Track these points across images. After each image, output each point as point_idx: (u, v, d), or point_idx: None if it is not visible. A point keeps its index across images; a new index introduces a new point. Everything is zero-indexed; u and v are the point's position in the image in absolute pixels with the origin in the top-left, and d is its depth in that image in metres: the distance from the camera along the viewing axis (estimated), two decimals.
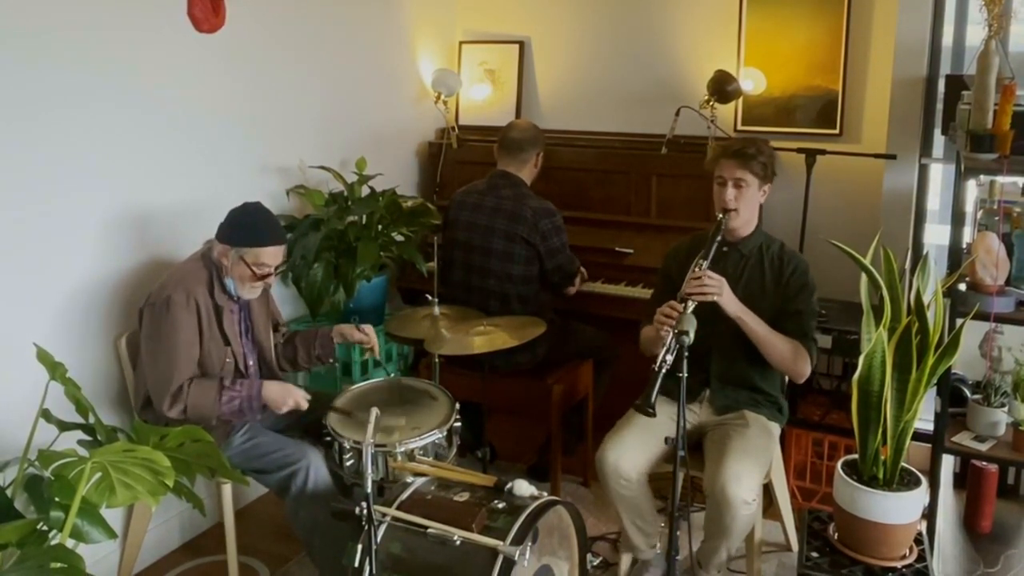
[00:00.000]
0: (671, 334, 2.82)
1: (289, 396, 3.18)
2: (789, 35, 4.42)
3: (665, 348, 2.78)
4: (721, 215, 3.19)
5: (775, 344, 3.16)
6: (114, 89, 3.30)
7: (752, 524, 3.09)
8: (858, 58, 4.32)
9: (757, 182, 3.21)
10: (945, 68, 4.11)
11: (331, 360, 3.53)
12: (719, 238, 3.14)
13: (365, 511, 2.36)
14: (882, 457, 2.80)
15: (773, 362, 3.19)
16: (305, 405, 3.20)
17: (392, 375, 3.42)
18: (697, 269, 3.06)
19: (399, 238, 4.19)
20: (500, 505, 2.61)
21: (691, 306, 2.93)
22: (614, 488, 3.16)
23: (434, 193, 4.97)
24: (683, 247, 3.46)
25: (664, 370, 2.75)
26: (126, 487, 2.33)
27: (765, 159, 3.20)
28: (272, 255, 3.17)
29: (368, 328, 3.44)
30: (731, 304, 3.12)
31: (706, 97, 4.31)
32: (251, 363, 3.33)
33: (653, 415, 2.78)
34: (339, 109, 4.50)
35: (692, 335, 2.82)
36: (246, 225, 3.15)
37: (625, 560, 3.42)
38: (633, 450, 3.14)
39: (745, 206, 3.22)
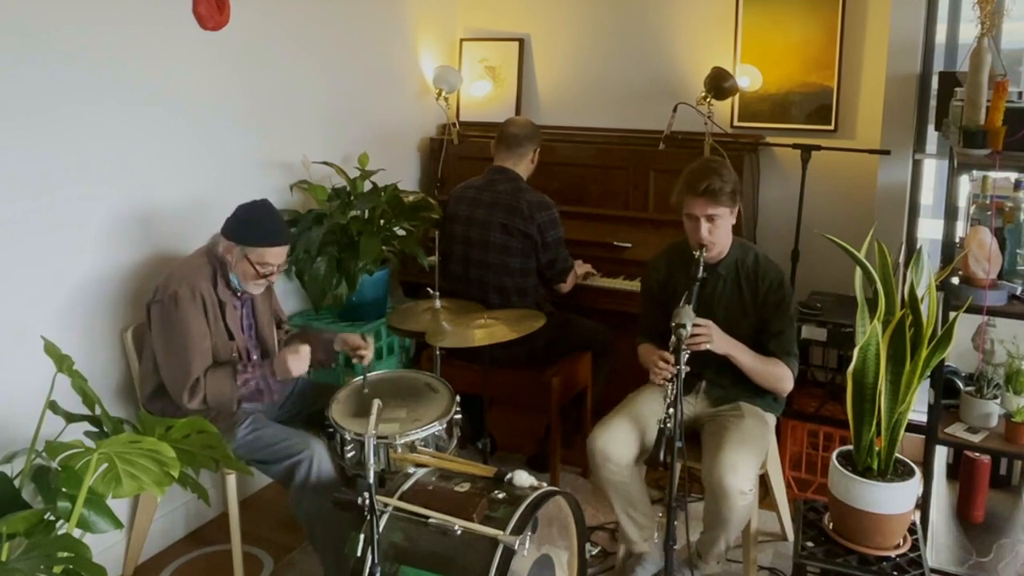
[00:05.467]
0: (672, 387, 2.80)
1: (289, 362, 3.17)
2: (785, 33, 4.46)
3: (668, 401, 2.77)
4: (698, 252, 3.14)
5: (761, 371, 3.22)
6: (120, 85, 3.34)
7: (750, 514, 3.12)
8: (853, 55, 4.36)
9: (728, 211, 3.19)
10: (938, 65, 4.14)
11: (332, 366, 3.55)
12: (701, 275, 3.09)
13: (367, 501, 2.37)
14: (876, 448, 2.82)
15: (759, 384, 3.24)
16: (306, 352, 3.20)
17: (361, 378, 3.41)
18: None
19: (401, 232, 4.22)
20: (500, 495, 2.64)
21: (685, 356, 2.86)
22: (604, 475, 3.19)
23: (435, 188, 4.99)
24: (661, 262, 3.46)
25: (670, 425, 2.74)
26: (132, 478, 2.35)
27: (731, 186, 3.16)
28: (275, 255, 3.20)
29: (370, 338, 3.45)
30: (723, 345, 3.15)
31: (703, 93, 4.33)
32: (255, 358, 3.36)
33: (665, 470, 2.79)
34: (342, 105, 4.53)
35: (690, 328, 2.86)
36: (252, 224, 3.18)
37: (621, 551, 3.44)
38: (624, 436, 3.17)
39: (721, 236, 3.22)
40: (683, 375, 2.81)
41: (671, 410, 2.76)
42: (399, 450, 2.97)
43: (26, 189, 3.05)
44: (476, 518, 2.53)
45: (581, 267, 4.29)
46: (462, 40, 5.33)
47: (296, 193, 4.22)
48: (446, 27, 5.30)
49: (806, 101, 4.48)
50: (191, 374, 3.09)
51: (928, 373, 2.87)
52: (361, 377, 3.36)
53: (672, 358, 2.90)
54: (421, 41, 5.09)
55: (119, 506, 3.10)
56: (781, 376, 3.23)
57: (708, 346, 3.08)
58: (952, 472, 3.90)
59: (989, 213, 3.22)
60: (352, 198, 4.14)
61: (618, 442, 3.16)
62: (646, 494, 3.34)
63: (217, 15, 3.65)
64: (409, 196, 4.31)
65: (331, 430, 3.12)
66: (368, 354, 3.40)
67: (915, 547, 2.84)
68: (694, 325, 3.00)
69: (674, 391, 2.79)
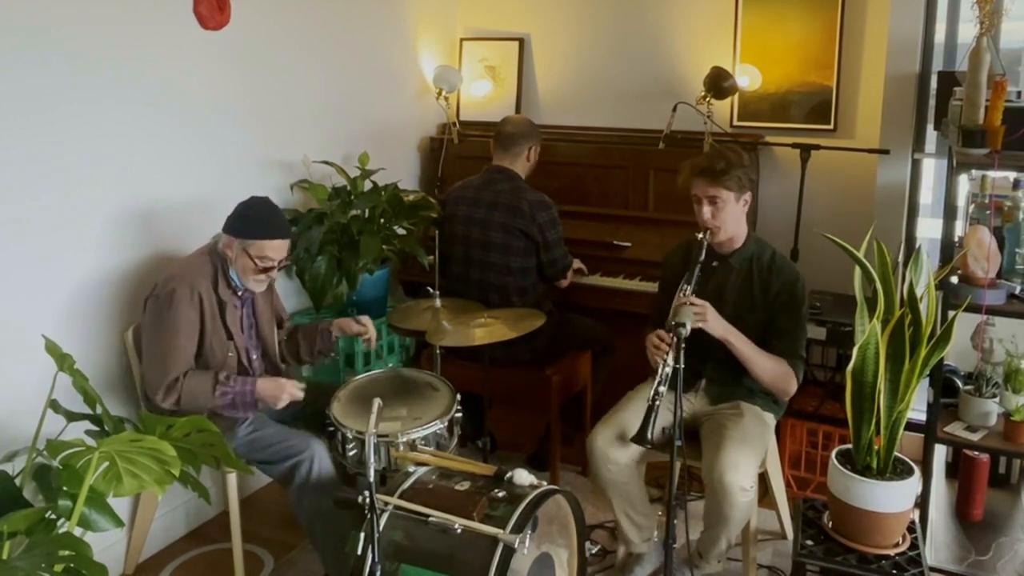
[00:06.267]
0: (663, 365, 2.81)
1: (282, 391, 3.19)
2: (784, 32, 4.46)
3: (658, 380, 2.78)
4: (702, 234, 3.17)
5: (761, 364, 3.18)
6: (121, 85, 3.34)
7: (750, 511, 3.13)
8: (852, 55, 4.36)
9: (733, 196, 3.18)
10: (937, 64, 4.14)
11: (332, 354, 3.55)
12: (702, 258, 3.11)
13: (368, 500, 2.38)
14: (875, 447, 2.83)
15: (759, 380, 3.21)
16: (300, 396, 3.22)
17: (391, 365, 3.44)
18: (682, 295, 3.05)
19: (401, 232, 4.23)
20: (500, 494, 2.64)
21: (685, 332, 2.88)
22: (604, 474, 3.20)
23: (435, 188, 5.00)
24: (678, 252, 3.47)
25: (659, 403, 2.75)
26: (133, 476, 2.36)
27: (738, 171, 3.16)
28: (275, 249, 3.20)
29: (365, 319, 3.47)
30: (717, 328, 3.12)
31: (703, 93, 4.33)
32: (255, 357, 3.37)
33: (652, 447, 2.80)
34: (342, 105, 4.53)
35: (689, 327, 2.86)
36: (251, 218, 3.19)
37: (620, 551, 3.46)
38: (624, 436, 3.17)
39: (727, 221, 3.21)
40: (681, 372, 2.81)
41: (660, 388, 2.77)
42: (400, 448, 2.98)
43: (26, 189, 3.05)
44: (476, 517, 2.53)
45: (574, 263, 4.30)
46: (462, 40, 5.33)
47: (297, 192, 4.23)
48: (446, 27, 5.31)
49: (805, 100, 4.48)
50: (169, 373, 3.08)
51: (927, 372, 2.88)
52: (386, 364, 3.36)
53: (668, 336, 2.92)
54: (421, 41, 5.10)
55: (120, 505, 3.12)
56: (782, 373, 3.19)
57: (701, 324, 3.05)
58: (951, 471, 3.91)
59: (988, 212, 3.23)
60: (352, 197, 4.14)
61: (618, 441, 3.17)
62: (645, 494, 3.35)
63: (218, 15, 3.65)
64: (409, 195, 4.32)
65: (332, 429, 3.12)
66: (372, 334, 3.45)
67: (914, 545, 2.85)
68: (691, 303, 3.02)
69: (664, 370, 2.80)
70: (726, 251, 3.30)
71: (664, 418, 3.05)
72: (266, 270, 3.20)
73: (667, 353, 2.89)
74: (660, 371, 2.84)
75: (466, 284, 4.05)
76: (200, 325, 3.17)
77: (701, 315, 3.05)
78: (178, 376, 3.10)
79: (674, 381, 2.81)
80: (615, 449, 3.17)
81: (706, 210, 3.19)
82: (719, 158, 3.18)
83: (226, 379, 3.16)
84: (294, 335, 3.56)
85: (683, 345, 2.82)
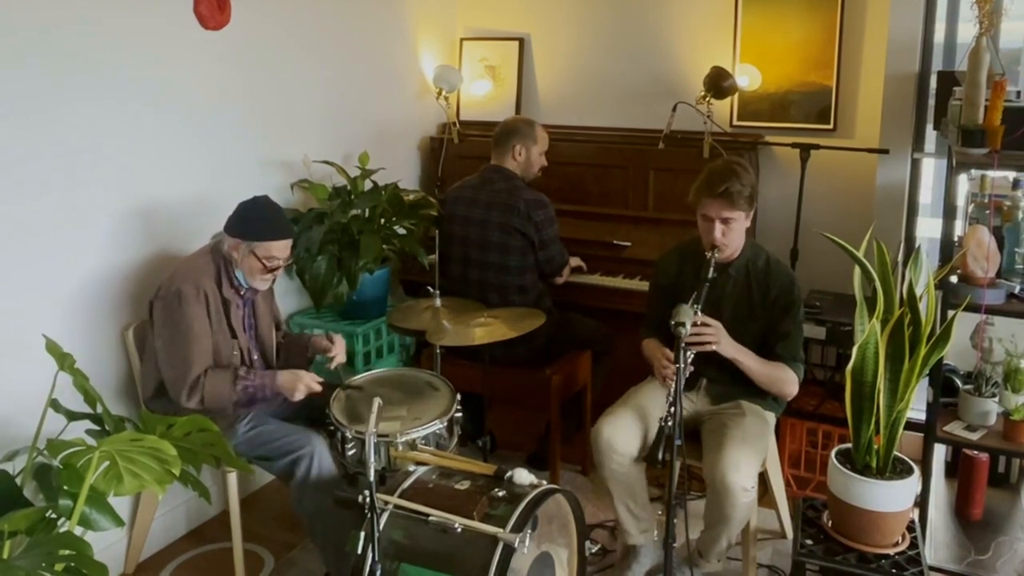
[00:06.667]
0: (673, 387, 2.80)
1: (300, 382, 3.20)
2: (784, 32, 4.46)
3: (669, 402, 2.78)
4: (710, 253, 3.15)
5: (767, 376, 3.21)
6: (122, 85, 3.34)
7: (751, 511, 3.13)
8: (852, 54, 4.37)
9: (744, 214, 3.18)
10: (937, 64, 4.14)
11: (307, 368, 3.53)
12: (711, 275, 3.09)
13: (368, 499, 2.38)
14: (875, 446, 2.83)
15: (763, 388, 3.24)
16: (318, 388, 3.23)
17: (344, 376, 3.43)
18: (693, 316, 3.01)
19: (401, 231, 4.22)
20: (500, 493, 2.64)
21: (690, 356, 2.91)
22: (607, 465, 3.20)
23: (436, 187, 5.00)
24: (671, 259, 3.47)
25: (671, 423, 2.75)
26: (133, 476, 2.36)
27: (749, 189, 3.15)
28: (280, 248, 3.22)
29: (337, 337, 3.45)
30: (729, 349, 3.14)
31: (702, 93, 4.33)
32: (255, 357, 3.37)
33: (663, 467, 2.81)
34: (342, 105, 4.53)
35: (688, 326, 2.86)
36: (256, 219, 3.19)
37: (619, 544, 3.46)
38: (628, 428, 3.19)
39: (734, 239, 3.22)
40: (684, 373, 2.82)
41: (672, 408, 2.77)
42: (400, 448, 2.98)
43: (27, 189, 3.05)
44: (476, 516, 2.53)
45: (573, 260, 4.30)
46: (462, 40, 5.33)
47: (297, 192, 4.23)
48: (446, 27, 5.31)
49: (805, 100, 4.49)
50: (192, 372, 3.10)
51: (927, 371, 2.88)
52: (346, 384, 3.35)
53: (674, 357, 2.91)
54: (421, 41, 5.10)
55: (120, 504, 3.11)
56: (786, 380, 3.22)
57: (714, 347, 3.08)
58: (951, 470, 3.91)
59: (987, 212, 3.23)
60: (353, 197, 4.14)
61: (623, 433, 3.18)
62: (646, 487, 3.35)
63: (218, 14, 3.65)
64: (409, 195, 4.32)
65: (332, 428, 3.13)
66: (338, 355, 3.41)
67: (914, 545, 2.85)
68: (703, 324, 3.02)
69: (675, 388, 2.80)
70: (725, 261, 3.29)
71: (664, 410, 3.05)
72: (273, 269, 3.22)
73: (676, 373, 2.87)
74: (672, 392, 2.81)
75: (465, 284, 4.06)
76: (208, 322, 3.18)
77: (715, 338, 3.07)
78: (199, 374, 3.11)
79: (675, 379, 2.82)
80: (621, 441, 3.17)
81: (718, 230, 3.16)
82: (734, 179, 3.12)
83: (245, 374, 3.18)
84: (281, 343, 3.56)
85: (684, 346, 2.82)
